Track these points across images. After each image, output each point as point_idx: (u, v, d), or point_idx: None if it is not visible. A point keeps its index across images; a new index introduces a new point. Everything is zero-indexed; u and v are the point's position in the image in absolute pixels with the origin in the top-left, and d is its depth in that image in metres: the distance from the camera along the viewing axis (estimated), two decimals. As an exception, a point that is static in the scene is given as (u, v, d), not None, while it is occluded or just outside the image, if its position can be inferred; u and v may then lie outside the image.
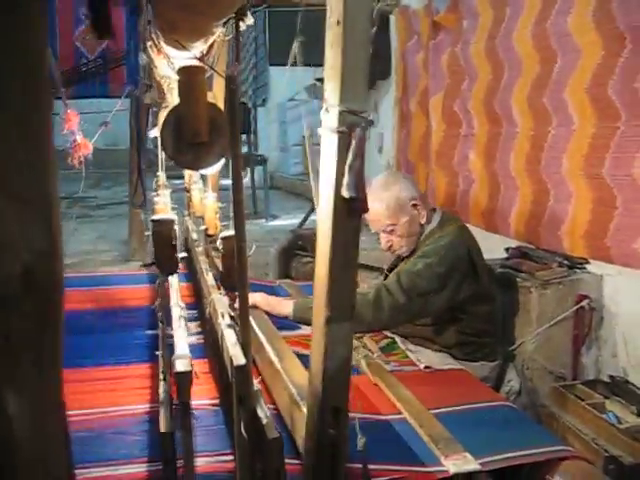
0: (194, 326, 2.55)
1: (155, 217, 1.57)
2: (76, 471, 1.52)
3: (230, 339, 1.42)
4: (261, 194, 6.67)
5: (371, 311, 2.38)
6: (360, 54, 1.08)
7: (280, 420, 1.76)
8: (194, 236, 2.98)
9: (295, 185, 8.55)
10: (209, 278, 2.17)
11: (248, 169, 7.09)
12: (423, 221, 2.62)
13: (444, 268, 2.46)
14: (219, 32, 1.43)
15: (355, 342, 2.59)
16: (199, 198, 2.23)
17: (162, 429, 1.30)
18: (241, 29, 1.45)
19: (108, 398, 1.96)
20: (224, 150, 1.40)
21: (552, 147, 3.15)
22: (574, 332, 2.89)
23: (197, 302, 2.72)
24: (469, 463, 1.73)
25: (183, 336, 1.51)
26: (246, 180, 7.19)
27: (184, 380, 1.24)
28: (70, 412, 1.71)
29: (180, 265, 2.16)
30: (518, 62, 3.37)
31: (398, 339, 2.65)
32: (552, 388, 2.79)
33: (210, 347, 2.09)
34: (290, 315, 2.51)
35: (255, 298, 2.59)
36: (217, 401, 1.92)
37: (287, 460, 1.53)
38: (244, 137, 6.74)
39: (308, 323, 2.40)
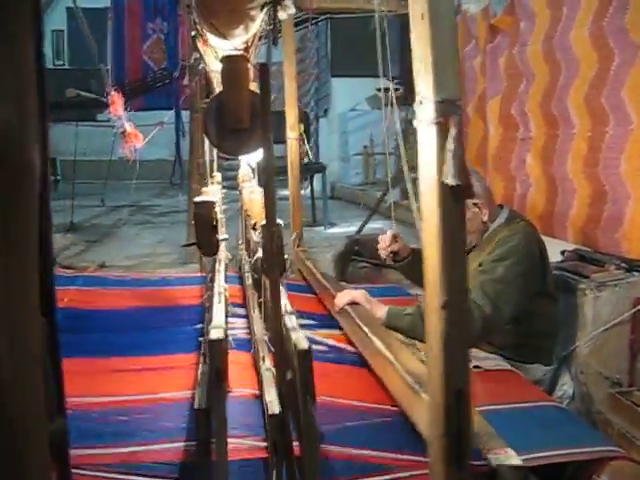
0: (242, 322, 2.60)
1: (197, 199, 1.61)
2: (117, 447, 1.58)
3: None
4: (320, 203, 6.71)
5: None
6: (448, 46, 1.12)
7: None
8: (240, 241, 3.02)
9: (355, 195, 8.57)
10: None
11: (308, 178, 7.15)
12: (485, 219, 2.59)
13: (524, 266, 2.43)
14: (259, 20, 1.46)
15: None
16: (249, 195, 2.26)
17: (196, 406, 1.33)
18: (281, 18, 1.48)
19: (154, 384, 2.03)
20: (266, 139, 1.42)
21: (610, 148, 3.08)
22: (631, 337, 2.80)
23: (244, 303, 2.77)
24: (511, 458, 1.71)
25: (221, 309, 1.54)
26: (307, 190, 7.26)
27: (216, 347, 1.26)
28: (118, 396, 1.80)
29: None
30: (575, 62, 3.31)
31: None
32: (607, 394, 2.71)
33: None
34: (383, 318, 2.49)
35: (355, 295, 2.60)
36: (258, 392, 1.94)
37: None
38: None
39: (397, 330, 2.40)
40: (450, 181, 1.09)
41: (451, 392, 1.19)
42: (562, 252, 3.21)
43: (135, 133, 2.42)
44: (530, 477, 2.20)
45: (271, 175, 1.35)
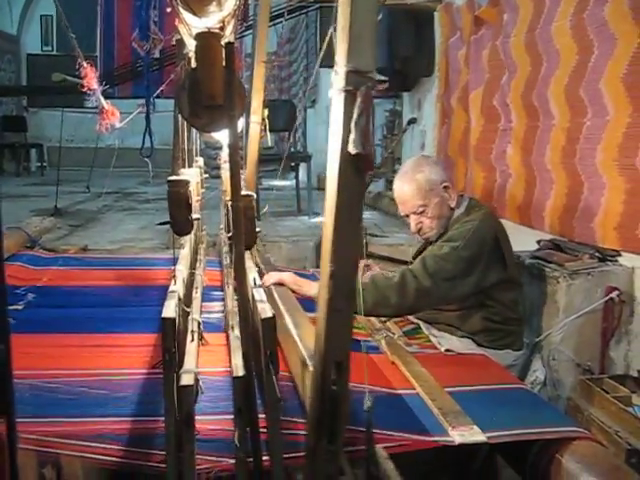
0: (220, 305, 2.64)
1: (171, 177, 1.62)
2: (71, 421, 1.62)
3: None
4: (305, 193, 6.71)
5: (396, 295, 2.39)
6: (367, 16, 1.11)
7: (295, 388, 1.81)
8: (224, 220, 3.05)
9: (341, 185, 8.56)
10: (226, 249, 2.23)
11: (294, 168, 7.16)
12: (453, 204, 2.64)
13: (470, 252, 2.46)
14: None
15: (378, 325, 2.62)
16: (225, 176, 2.28)
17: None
18: None
19: (119, 360, 2.10)
20: (239, 114, 1.45)
21: (587, 138, 3.12)
22: (603, 325, 2.85)
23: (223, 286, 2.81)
24: (476, 435, 1.75)
25: (193, 348, 1.55)
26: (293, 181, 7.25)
27: (187, 394, 1.28)
28: (81, 370, 1.84)
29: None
30: (556, 54, 3.34)
31: (422, 325, 2.66)
32: (579, 381, 2.76)
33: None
34: (315, 296, 2.53)
35: (282, 276, 2.65)
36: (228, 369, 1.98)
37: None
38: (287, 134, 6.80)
39: None
40: (352, 149, 1.10)
41: (330, 363, 1.21)
42: (538, 241, 3.26)
43: (112, 110, 2.43)
44: (495, 456, 2.25)
45: (236, 150, 1.37)
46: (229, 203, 1.96)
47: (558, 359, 2.83)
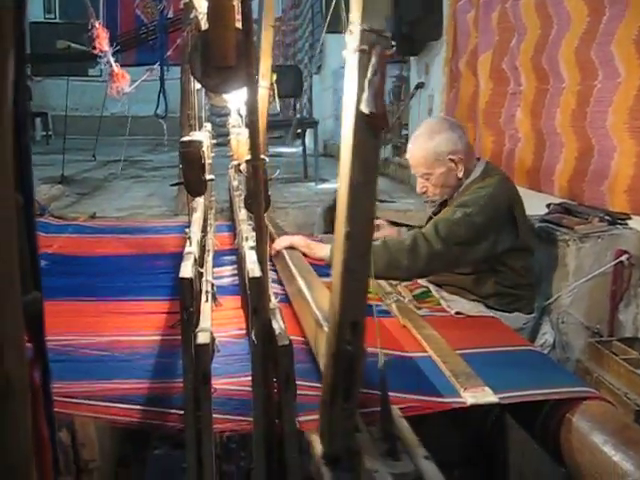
0: (231, 269, 2.65)
1: (184, 138, 1.62)
2: (90, 384, 1.64)
3: (250, 257, 1.47)
4: (312, 160, 6.70)
5: (407, 258, 2.40)
6: None
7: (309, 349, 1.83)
8: (234, 184, 3.05)
9: (348, 152, 8.54)
10: (241, 213, 2.24)
11: (300, 134, 7.13)
12: (460, 175, 2.62)
13: (483, 218, 2.45)
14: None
15: (388, 288, 2.63)
16: (236, 138, 2.28)
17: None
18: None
19: (133, 326, 2.11)
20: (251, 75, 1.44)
21: (598, 101, 3.09)
22: (612, 288, 2.85)
23: (233, 248, 2.83)
24: (487, 396, 1.76)
25: (207, 309, 1.56)
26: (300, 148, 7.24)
27: (203, 352, 1.29)
28: (94, 336, 1.86)
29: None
30: (567, 16, 3.30)
31: (432, 288, 2.67)
32: (588, 343, 2.77)
33: (241, 279, 2.15)
34: (326, 258, 2.55)
35: (293, 239, 2.67)
36: (244, 332, 1.99)
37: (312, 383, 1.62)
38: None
39: None
40: (365, 109, 1.10)
41: (346, 323, 1.21)
42: (548, 205, 3.25)
43: (122, 73, 2.42)
44: (505, 416, 2.27)
45: (255, 111, 1.37)
46: (242, 165, 1.97)
47: (567, 322, 2.84)
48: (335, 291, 1.24)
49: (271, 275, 2.64)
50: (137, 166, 8.02)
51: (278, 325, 1.33)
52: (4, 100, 0.44)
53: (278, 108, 6.09)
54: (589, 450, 1.67)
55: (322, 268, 2.53)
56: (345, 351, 1.23)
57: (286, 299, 2.31)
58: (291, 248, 2.60)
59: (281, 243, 2.61)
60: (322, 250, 2.58)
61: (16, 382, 0.44)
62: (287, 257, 2.41)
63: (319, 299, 1.85)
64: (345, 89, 1.19)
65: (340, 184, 1.21)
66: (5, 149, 0.43)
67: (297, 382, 1.61)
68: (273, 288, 2.48)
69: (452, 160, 2.58)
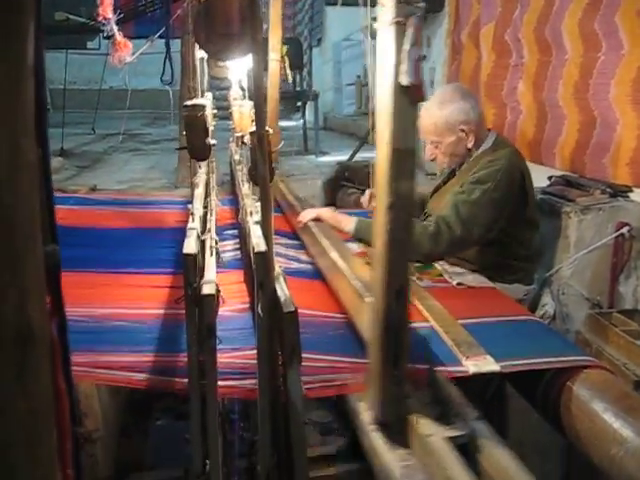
0: (233, 244, 2.65)
1: (188, 102, 1.62)
2: (94, 354, 1.65)
3: (255, 232, 1.48)
4: (312, 133, 6.69)
5: (429, 244, 2.40)
6: None
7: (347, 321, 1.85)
8: (236, 157, 3.04)
9: (348, 125, 8.52)
10: (244, 188, 2.24)
11: (300, 107, 7.11)
12: (470, 145, 2.61)
13: (500, 193, 2.45)
14: None
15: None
16: (239, 110, 2.26)
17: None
18: None
19: (134, 298, 2.11)
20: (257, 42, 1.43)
21: (601, 73, 3.08)
22: (612, 260, 2.87)
23: (235, 223, 2.83)
24: (489, 364, 1.77)
25: (212, 263, 1.56)
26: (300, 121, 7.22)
27: (207, 302, 1.30)
28: (97, 308, 1.87)
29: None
30: (570, -14, 3.28)
31: (434, 258, 2.67)
32: (587, 315, 2.78)
33: (244, 253, 2.16)
34: (352, 231, 2.54)
35: (320, 211, 2.66)
36: (248, 306, 2.00)
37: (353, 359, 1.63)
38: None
39: (365, 241, 2.45)
40: (404, 81, 1.10)
41: (391, 291, 1.23)
42: (549, 178, 3.25)
43: (125, 41, 2.40)
44: (505, 385, 2.29)
45: (261, 79, 1.37)
46: (246, 137, 1.96)
47: (568, 293, 2.85)
48: (379, 261, 1.25)
49: (296, 249, 2.65)
50: (136, 139, 8.01)
51: (283, 293, 1.34)
52: (26, 56, 0.44)
53: (289, 79, 6.05)
54: (589, 418, 1.68)
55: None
56: (392, 318, 1.25)
57: (314, 274, 2.33)
58: (318, 220, 2.59)
59: (308, 215, 2.60)
60: (349, 223, 2.56)
61: (37, 330, 0.45)
62: (315, 230, 2.40)
63: (355, 270, 1.85)
64: (379, 64, 1.20)
65: (379, 156, 1.22)
66: (27, 103, 0.43)
67: (336, 355, 1.65)
68: (297, 262, 2.50)
69: (463, 130, 2.58)
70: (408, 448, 1.31)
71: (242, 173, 2.60)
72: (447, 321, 2.03)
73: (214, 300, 1.35)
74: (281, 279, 1.38)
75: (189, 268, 1.38)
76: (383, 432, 1.34)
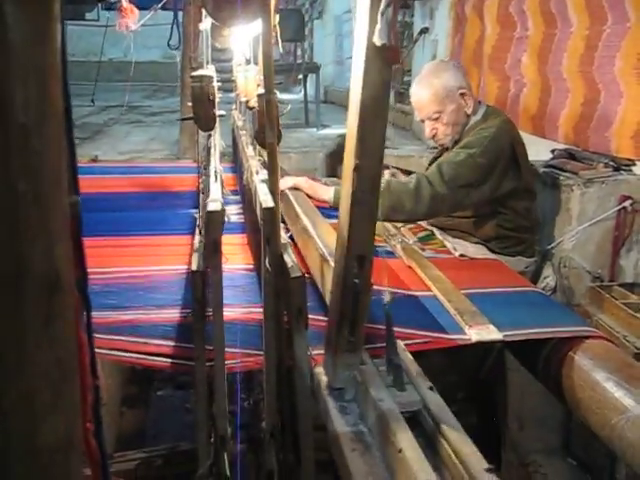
0: (236, 208, 2.66)
1: (194, 73, 1.62)
2: (117, 313, 1.66)
3: (262, 190, 1.48)
4: (313, 106, 6.66)
5: (411, 201, 2.40)
6: None
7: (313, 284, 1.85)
8: (239, 124, 3.04)
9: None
10: (249, 150, 2.24)
11: (301, 80, 7.07)
12: (469, 111, 2.62)
13: (486, 159, 2.46)
14: None
15: (393, 230, 2.65)
16: (244, 76, 2.26)
17: (193, 268, 1.38)
18: None
19: (151, 259, 2.11)
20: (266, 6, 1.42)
21: (606, 46, 3.06)
22: (614, 233, 2.87)
23: (242, 190, 2.83)
24: (491, 333, 1.79)
25: (217, 186, 1.58)
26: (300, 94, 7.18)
27: (215, 219, 1.30)
28: (115, 269, 1.87)
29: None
30: (577, -43, 3.25)
31: (436, 231, 2.69)
32: (588, 288, 2.80)
33: (248, 215, 2.17)
34: (330, 200, 2.56)
35: (297, 180, 2.67)
36: (252, 266, 2.02)
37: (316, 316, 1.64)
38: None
39: None
40: (378, 41, 1.09)
41: (353, 256, 1.22)
42: (552, 151, 3.25)
43: (131, 8, 2.38)
44: (506, 355, 2.31)
45: (270, 44, 1.36)
46: (252, 101, 1.96)
47: (569, 266, 2.86)
48: (343, 225, 1.25)
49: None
50: (136, 111, 7.96)
51: (290, 259, 1.35)
52: (53, 3, 0.44)
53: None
54: (590, 387, 1.70)
55: (326, 210, 2.54)
56: (352, 284, 1.25)
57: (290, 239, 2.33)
58: (295, 189, 2.60)
59: (285, 184, 2.62)
60: (326, 192, 2.58)
61: (64, 278, 0.46)
62: (291, 197, 2.41)
63: (324, 236, 1.86)
64: (357, 22, 1.18)
65: (349, 117, 1.21)
66: (55, 50, 0.44)
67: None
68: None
69: (462, 95, 2.58)
70: (360, 414, 1.33)
71: (246, 138, 2.60)
72: (450, 290, 2.05)
73: (221, 217, 1.36)
74: (288, 248, 1.39)
75: (214, 225, 1.37)
76: (336, 397, 1.36)
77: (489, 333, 1.79)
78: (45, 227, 0.43)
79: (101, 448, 0.61)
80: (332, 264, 1.50)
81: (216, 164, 1.98)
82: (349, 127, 1.22)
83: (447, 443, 1.18)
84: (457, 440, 1.16)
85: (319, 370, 1.45)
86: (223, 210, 1.35)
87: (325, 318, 1.56)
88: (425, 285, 2.10)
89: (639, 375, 1.68)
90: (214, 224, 1.30)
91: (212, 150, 2.16)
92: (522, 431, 2.83)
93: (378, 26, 1.12)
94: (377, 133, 1.18)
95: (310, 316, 1.66)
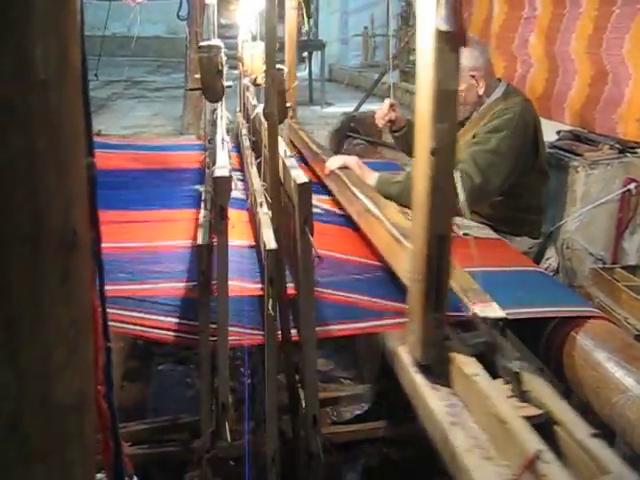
0: (240, 185, 2.66)
1: (202, 43, 1.62)
2: (124, 285, 1.67)
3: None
4: (318, 84, 6.64)
5: None
6: None
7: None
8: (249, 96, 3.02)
9: (354, 77, 8.44)
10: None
11: (306, 58, 7.03)
12: (481, 92, 2.60)
13: (516, 140, 2.44)
14: None
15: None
16: (250, 52, 2.25)
17: (199, 242, 1.39)
18: None
19: (155, 233, 2.11)
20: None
21: (615, 27, 3.04)
22: (618, 215, 2.87)
23: (242, 168, 2.84)
24: (495, 311, 1.79)
25: (224, 153, 1.58)
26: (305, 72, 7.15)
27: (222, 184, 1.30)
28: (121, 243, 1.88)
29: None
30: (588, -64, 3.22)
31: (440, 210, 2.67)
32: (591, 269, 2.80)
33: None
34: (373, 185, 2.54)
35: (347, 159, 2.66)
36: (254, 243, 2.02)
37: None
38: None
39: (386, 196, 2.45)
40: (443, 27, 1.10)
41: (433, 237, 1.24)
42: (558, 132, 3.24)
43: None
44: (506, 331, 2.31)
45: (273, 19, 1.36)
46: (259, 78, 1.96)
47: (572, 248, 2.86)
48: (420, 207, 1.27)
49: (321, 197, 2.66)
50: (140, 87, 7.94)
51: (295, 170, 1.35)
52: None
53: (306, 27, 5.98)
54: (591, 366, 1.71)
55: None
56: (434, 263, 1.27)
57: (346, 222, 2.34)
58: (345, 168, 2.59)
59: (335, 163, 2.59)
60: (371, 177, 2.56)
61: (81, 237, 0.46)
62: (344, 178, 2.40)
63: (391, 217, 1.86)
64: (420, 10, 1.20)
65: (420, 102, 1.22)
66: (74, 11, 0.44)
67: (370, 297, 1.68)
68: (323, 210, 2.51)
69: (473, 77, 2.56)
70: (451, 389, 1.34)
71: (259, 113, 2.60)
72: (452, 268, 2.04)
73: (228, 182, 1.36)
74: (293, 160, 1.40)
75: (222, 191, 1.38)
76: (425, 374, 1.37)
77: (492, 310, 1.78)
78: (63, 186, 0.43)
79: (112, 411, 0.61)
80: (406, 244, 1.53)
81: (223, 134, 1.98)
82: (420, 112, 1.24)
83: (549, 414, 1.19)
84: (558, 409, 1.18)
85: (402, 348, 1.46)
86: (230, 176, 1.35)
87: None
88: (429, 263, 2.10)
89: (640, 355, 1.69)
90: (222, 189, 1.30)
91: (219, 121, 2.16)
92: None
93: (443, 12, 1.13)
94: (449, 116, 1.20)
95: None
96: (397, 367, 1.46)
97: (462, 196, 2.33)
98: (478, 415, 1.23)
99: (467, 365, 1.30)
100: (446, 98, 1.16)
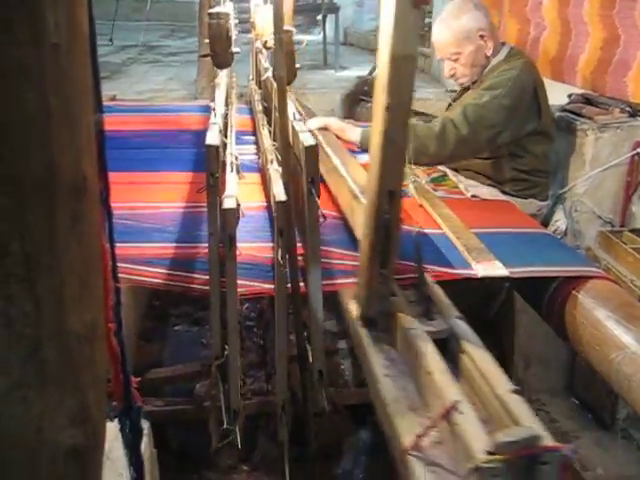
0: (251, 149, 2.71)
1: (211, 10, 1.65)
2: (123, 245, 1.73)
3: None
4: (332, 48, 6.60)
5: (435, 144, 2.42)
6: None
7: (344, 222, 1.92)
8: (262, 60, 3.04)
9: (369, 41, 8.36)
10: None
11: (321, 21, 6.99)
12: (489, 53, 2.62)
13: (510, 101, 2.47)
14: None
15: (406, 170, 2.67)
16: (262, 17, 2.27)
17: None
18: None
19: (156, 195, 2.18)
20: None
21: (628, -10, 3.02)
22: (627, 179, 2.88)
23: (254, 131, 2.87)
24: (498, 269, 1.84)
25: (233, 178, 1.61)
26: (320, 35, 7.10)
27: (229, 216, 1.35)
28: (123, 204, 1.95)
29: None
30: None
31: (449, 172, 2.71)
32: (599, 232, 2.83)
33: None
34: (357, 140, 2.58)
35: (327, 120, 2.69)
36: (265, 205, 2.08)
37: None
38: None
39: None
40: None
41: (384, 192, 1.26)
42: (569, 95, 3.24)
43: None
44: (513, 297, 2.36)
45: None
46: (269, 42, 1.99)
47: (580, 211, 2.89)
48: (373, 162, 1.29)
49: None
50: (154, 51, 7.93)
51: (302, 131, 1.38)
52: None
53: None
54: (592, 324, 1.76)
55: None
56: (383, 219, 1.30)
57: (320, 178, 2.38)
58: (324, 129, 2.62)
59: (314, 124, 2.63)
60: (354, 133, 2.59)
61: (90, 183, 0.51)
62: (320, 137, 2.44)
63: (354, 174, 1.90)
64: None
65: (380, 57, 1.24)
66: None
67: (334, 250, 1.72)
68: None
69: (482, 37, 2.58)
70: (391, 343, 1.40)
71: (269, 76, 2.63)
72: (459, 228, 2.09)
73: (235, 213, 1.42)
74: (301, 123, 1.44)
75: (211, 159, 1.44)
76: (368, 327, 1.43)
77: (495, 269, 1.84)
78: (74, 139, 0.48)
79: (121, 347, 0.67)
80: (363, 201, 1.55)
81: (232, 145, 2.00)
82: (380, 66, 1.25)
83: (475, 367, 1.24)
84: (484, 365, 1.23)
85: (352, 302, 1.52)
86: (238, 206, 1.40)
87: (355, 253, 1.63)
88: (436, 223, 2.15)
89: (639, 314, 1.73)
90: (230, 221, 1.35)
91: (217, 91, 2.19)
92: (528, 370, 2.91)
93: None
94: (407, 72, 1.21)
95: (341, 251, 1.75)
96: (347, 320, 1.51)
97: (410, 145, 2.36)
98: (412, 368, 1.28)
99: (407, 321, 1.34)
100: (404, 57, 1.16)
